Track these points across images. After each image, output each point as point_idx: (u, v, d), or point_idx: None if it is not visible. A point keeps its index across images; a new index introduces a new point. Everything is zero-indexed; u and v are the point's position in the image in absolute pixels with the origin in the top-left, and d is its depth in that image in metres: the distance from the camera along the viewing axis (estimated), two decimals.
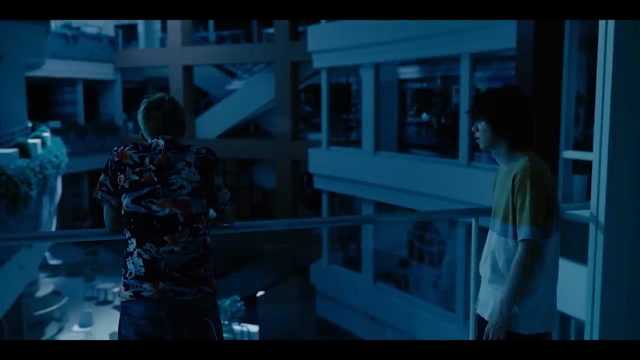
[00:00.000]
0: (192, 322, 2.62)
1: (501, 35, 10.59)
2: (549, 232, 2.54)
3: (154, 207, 2.60)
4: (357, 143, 18.05)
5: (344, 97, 19.71)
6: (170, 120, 2.74)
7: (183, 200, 2.62)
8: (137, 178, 2.62)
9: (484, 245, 2.87)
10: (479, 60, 13.38)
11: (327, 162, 18.74)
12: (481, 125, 2.61)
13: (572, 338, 7.92)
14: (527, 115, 2.61)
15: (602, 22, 3.01)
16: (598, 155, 3.08)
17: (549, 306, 2.70)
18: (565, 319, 7.96)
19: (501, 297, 2.59)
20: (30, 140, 12.71)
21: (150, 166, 2.62)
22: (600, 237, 3.05)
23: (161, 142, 2.67)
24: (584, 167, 7.79)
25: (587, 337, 3.15)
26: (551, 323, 2.69)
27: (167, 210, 2.60)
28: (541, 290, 2.62)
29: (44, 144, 13.80)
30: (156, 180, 2.61)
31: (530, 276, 2.54)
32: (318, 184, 19.64)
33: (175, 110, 2.77)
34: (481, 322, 2.77)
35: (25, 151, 11.57)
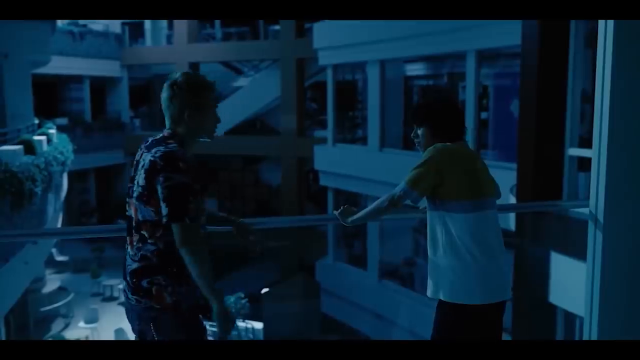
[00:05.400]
0: (139, 323, 2.57)
1: (507, 32, 10.56)
2: (417, 197, 2.83)
3: (127, 207, 2.58)
4: (363, 140, 18.04)
5: (349, 94, 19.69)
6: (164, 107, 2.60)
7: (134, 204, 2.53)
8: (132, 175, 2.60)
9: None
10: (485, 57, 13.35)
11: (333, 159, 18.73)
12: (421, 131, 2.98)
13: (577, 335, 7.91)
14: (456, 118, 3.00)
15: (601, 22, 3.02)
16: (597, 153, 3.08)
17: (465, 279, 2.75)
18: (570, 317, 7.94)
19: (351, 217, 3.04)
20: (36, 137, 12.71)
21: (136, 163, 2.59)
22: (599, 234, 3.05)
23: (159, 135, 2.59)
24: (589, 165, 7.75)
25: (586, 334, 3.16)
26: (474, 297, 2.74)
27: (130, 212, 2.56)
28: (452, 262, 2.77)
29: (49, 140, 13.82)
30: (132, 177, 2.58)
31: (377, 215, 2.97)
32: (324, 181, 19.63)
33: (167, 94, 2.57)
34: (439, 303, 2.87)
35: (30, 148, 11.57)
